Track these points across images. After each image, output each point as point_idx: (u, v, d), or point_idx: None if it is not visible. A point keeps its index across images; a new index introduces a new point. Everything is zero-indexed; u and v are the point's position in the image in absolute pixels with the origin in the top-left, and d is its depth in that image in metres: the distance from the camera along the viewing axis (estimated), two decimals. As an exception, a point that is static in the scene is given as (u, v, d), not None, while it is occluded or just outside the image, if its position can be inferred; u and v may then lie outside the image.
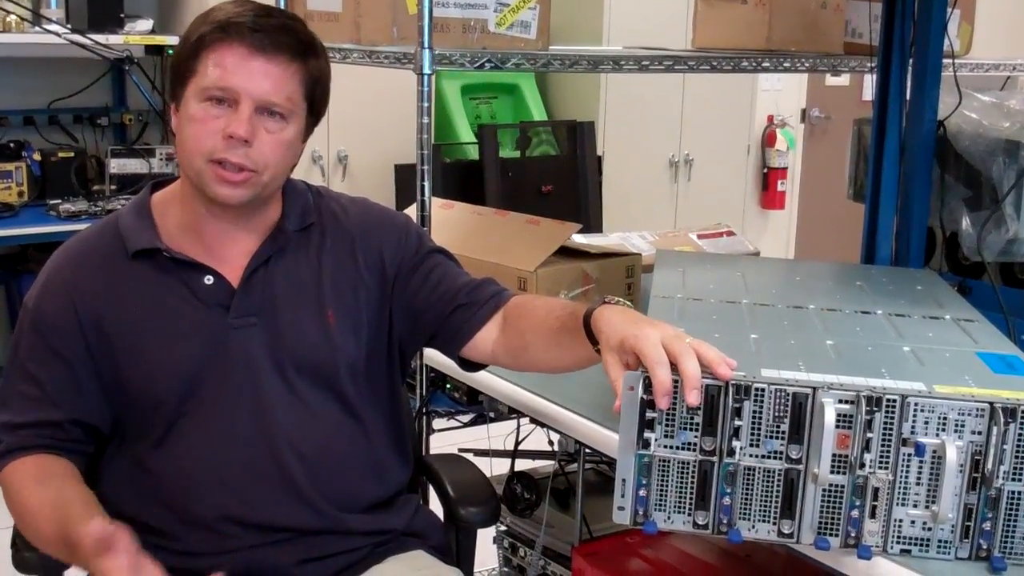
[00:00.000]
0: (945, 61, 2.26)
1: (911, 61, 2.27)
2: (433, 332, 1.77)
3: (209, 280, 1.65)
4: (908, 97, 2.28)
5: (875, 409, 1.28)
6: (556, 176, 4.89)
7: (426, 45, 2.17)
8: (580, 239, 2.56)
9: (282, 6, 2.66)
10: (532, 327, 1.66)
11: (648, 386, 1.31)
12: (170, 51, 4.12)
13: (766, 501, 1.33)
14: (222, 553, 1.63)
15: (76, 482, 1.61)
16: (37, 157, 4.10)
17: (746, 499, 1.33)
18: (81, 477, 1.63)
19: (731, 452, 1.32)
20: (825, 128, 6.30)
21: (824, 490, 1.31)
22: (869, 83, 2.80)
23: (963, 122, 2.27)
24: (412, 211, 2.26)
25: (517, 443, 2.35)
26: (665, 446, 1.33)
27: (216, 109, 1.56)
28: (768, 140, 6.00)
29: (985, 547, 1.30)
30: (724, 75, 2.77)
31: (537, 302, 1.73)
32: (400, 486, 1.82)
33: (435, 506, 1.94)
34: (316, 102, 1.66)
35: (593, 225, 4.81)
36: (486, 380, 1.96)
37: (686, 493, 1.34)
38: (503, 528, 2.46)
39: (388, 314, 1.76)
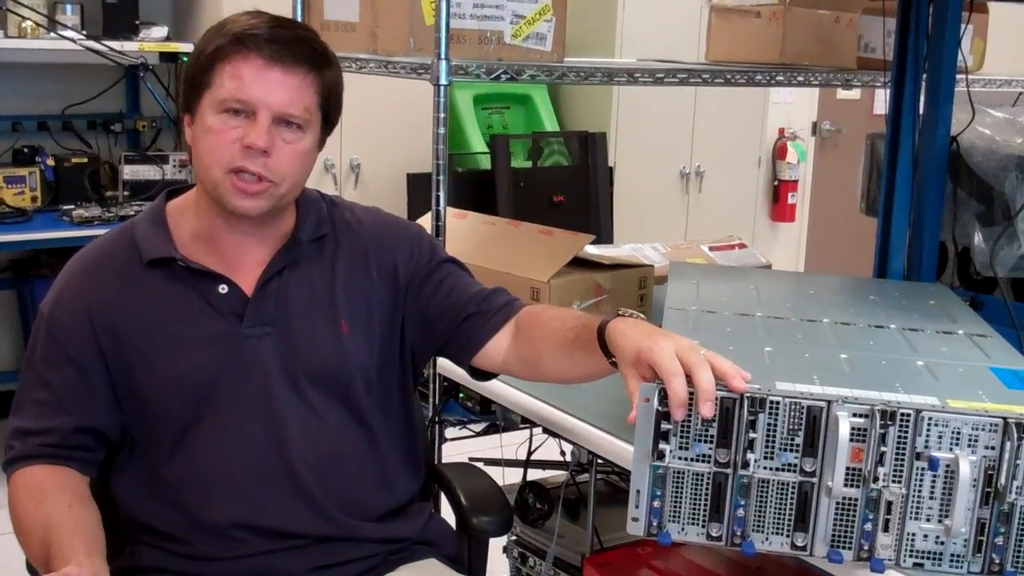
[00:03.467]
0: (958, 77, 2.27)
1: (924, 76, 2.28)
2: (445, 341, 1.77)
3: (224, 289, 1.66)
4: (921, 112, 2.29)
5: (889, 423, 1.29)
6: (567, 187, 4.89)
7: (443, 56, 2.17)
8: (592, 250, 2.56)
9: (299, 16, 2.67)
10: (544, 337, 1.66)
11: (663, 398, 1.31)
12: (184, 58, 4.13)
13: (780, 513, 1.33)
14: (234, 559, 1.64)
15: (70, 501, 1.59)
16: (51, 162, 4.10)
17: (760, 511, 1.34)
18: (82, 491, 1.63)
19: (745, 464, 1.32)
20: (836, 141, 6.30)
21: (838, 503, 1.32)
22: (880, 96, 2.80)
23: (976, 137, 2.27)
24: (427, 220, 2.27)
25: (529, 453, 2.36)
26: (680, 458, 1.34)
27: (234, 120, 1.57)
28: (779, 152, 6.00)
29: (998, 562, 1.31)
30: (735, 88, 2.78)
31: (550, 312, 1.73)
32: (412, 495, 1.82)
33: (447, 515, 1.94)
34: (330, 112, 1.67)
35: (604, 236, 4.81)
36: (499, 390, 1.96)
37: (700, 505, 1.34)
38: (513, 538, 2.46)
39: (400, 323, 1.77)
